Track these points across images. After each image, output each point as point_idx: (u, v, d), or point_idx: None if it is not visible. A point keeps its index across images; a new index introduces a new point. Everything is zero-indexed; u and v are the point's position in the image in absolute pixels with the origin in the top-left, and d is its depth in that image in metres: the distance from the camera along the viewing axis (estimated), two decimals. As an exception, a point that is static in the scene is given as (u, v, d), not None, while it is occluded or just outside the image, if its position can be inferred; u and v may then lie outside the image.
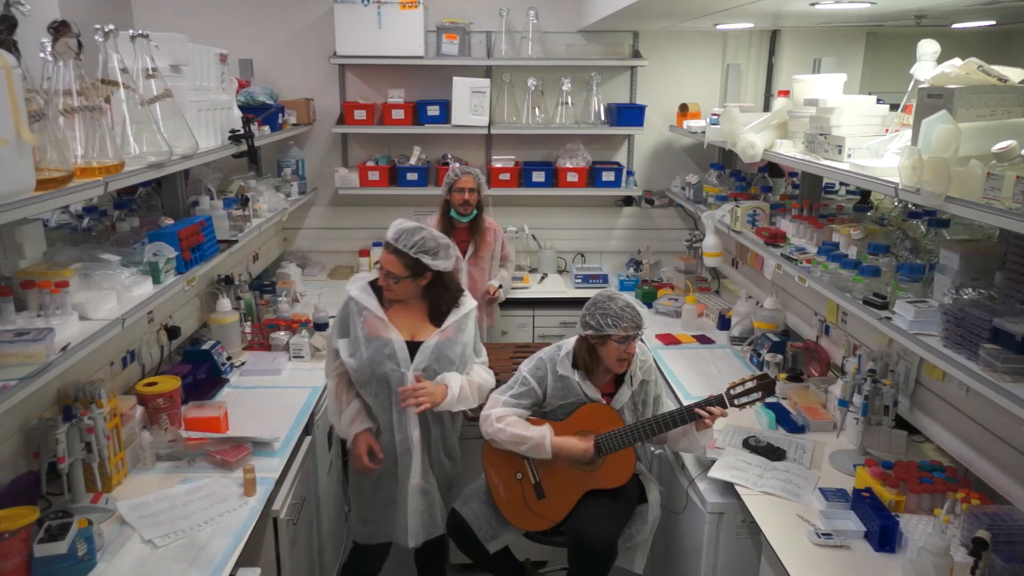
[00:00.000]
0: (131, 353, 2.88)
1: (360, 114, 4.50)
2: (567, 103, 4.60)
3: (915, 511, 2.24)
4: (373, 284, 2.65)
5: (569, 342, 2.70)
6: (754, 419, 2.88)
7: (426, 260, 2.52)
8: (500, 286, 4.01)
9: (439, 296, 2.63)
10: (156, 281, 2.40)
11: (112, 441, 2.32)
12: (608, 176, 4.66)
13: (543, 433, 2.54)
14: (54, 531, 1.92)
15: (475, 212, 3.83)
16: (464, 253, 3.88)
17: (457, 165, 3.86)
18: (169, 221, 2.80)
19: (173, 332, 3.17)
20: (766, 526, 2.20)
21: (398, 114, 4.51)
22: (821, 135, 2.68)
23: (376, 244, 4.79)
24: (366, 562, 2.79)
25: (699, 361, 3.52)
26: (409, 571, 3.00)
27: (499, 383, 2.81)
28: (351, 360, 2.58)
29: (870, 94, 2.80)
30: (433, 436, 2.68)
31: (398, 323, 2.59)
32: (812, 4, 3.01)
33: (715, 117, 3.78)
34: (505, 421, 2.57)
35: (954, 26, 3.69)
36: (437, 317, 2.64)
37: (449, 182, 3.80)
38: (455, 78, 4.44)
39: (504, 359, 3.49)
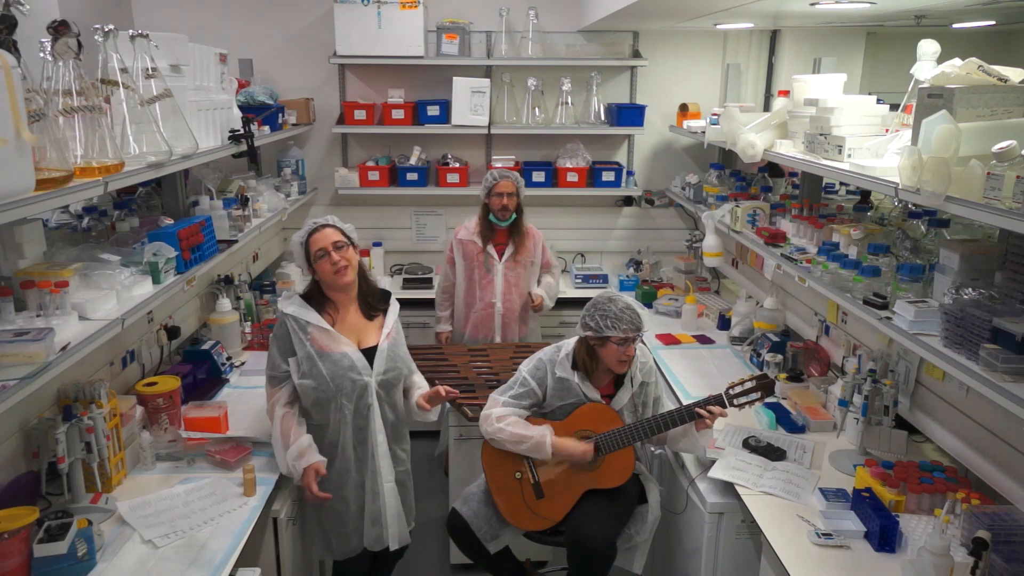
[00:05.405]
0: (131, 353, 2.88)
1: (360, 114, 4.50)
2: (567, 103, 4.59)
3: (915, 511, 2.24)
4: (305, 297, 2.59)
5: (569, 343, 2.70)
6: (754, 419, 2.88)
7: (347, 231, 2.60)
8: (543, 294, 3.86)
9: (366, 287, 2.67)
10: (156, 281, 2.40)
11: (112, 441, 2.32)
12: (608, 176, 4.66)
13: (543, 433, 2.54)
14: (54, 531, 1.92)
15: (514, 216, 3.74)
16: (501, 256, 3.78)
17: (496, 169, 3.73)
18: (169, 221, 2.80)
19: (173, 332, 3.17)
20: (766, 526, 2.20)
21: (398, 114, 4.51)
22: (821, 135, 2.68)
23: (376, 244, 4.77)
24: (356, 571, 2.71)
25: (699, 361, 3.51)
26: (400, 568, 2.94)
27: (499, 383, 2.82)
28: (307, 381, 2.50)
29: (870, 94, 2.80)
30: (390, 435, 2.64)
31: (344, 332, 2.56)
32: (812, 4, 3.01)
33: (715, 117, 3.78)
34: (505, 421, 2.58)
35: (954, 26, 3.69)
36: (371, 314, 2.66)
37: (487, 186, 3.70)
38: (455, 78, 4.44)
39: (504, 359, 3.49)
